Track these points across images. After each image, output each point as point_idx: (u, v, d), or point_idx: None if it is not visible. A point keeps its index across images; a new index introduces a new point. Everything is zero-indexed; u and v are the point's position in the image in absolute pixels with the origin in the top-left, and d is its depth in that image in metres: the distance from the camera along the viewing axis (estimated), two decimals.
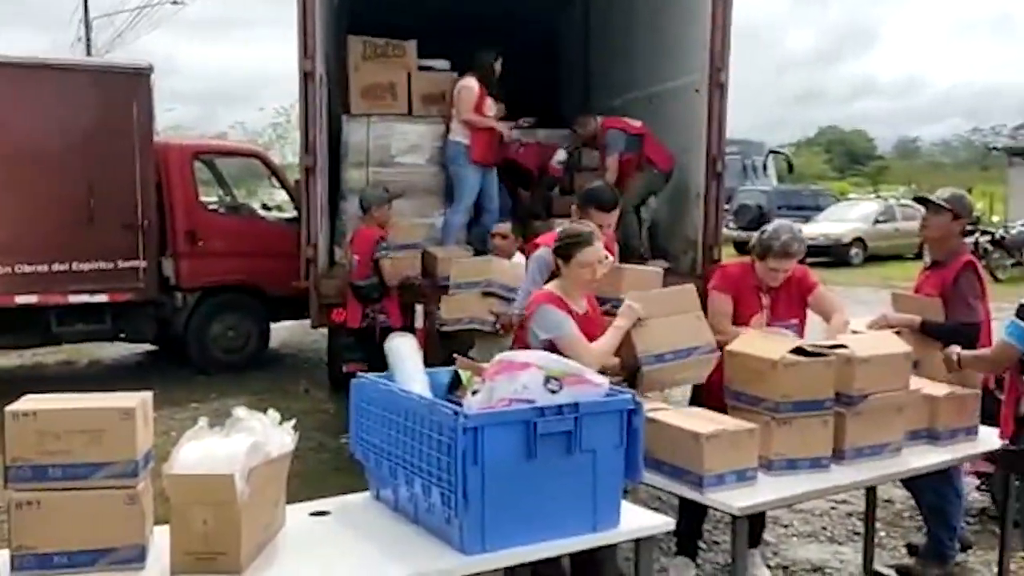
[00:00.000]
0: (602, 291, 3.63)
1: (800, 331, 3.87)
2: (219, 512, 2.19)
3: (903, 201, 23.02)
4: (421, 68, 7.38)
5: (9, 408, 2.20)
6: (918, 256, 21.25)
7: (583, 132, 7.05)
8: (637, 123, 6.82)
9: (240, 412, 2.40)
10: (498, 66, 6.90)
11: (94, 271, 7.57)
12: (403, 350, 2.84)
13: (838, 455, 3.27)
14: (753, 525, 3.48)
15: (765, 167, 23.26)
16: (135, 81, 7.76)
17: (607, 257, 3.48)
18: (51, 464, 2.18)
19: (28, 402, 2.24)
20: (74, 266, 7.49)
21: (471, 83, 6.75)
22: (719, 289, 3.97)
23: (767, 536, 4.70)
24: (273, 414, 2.47)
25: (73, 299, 7.50)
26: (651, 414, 2.98)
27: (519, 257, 5.47)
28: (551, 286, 3.47)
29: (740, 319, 3.86)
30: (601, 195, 4.12)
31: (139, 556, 2.24)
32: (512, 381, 2.49)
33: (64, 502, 2.18)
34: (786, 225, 3.93)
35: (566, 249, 3.39)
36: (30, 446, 2.17)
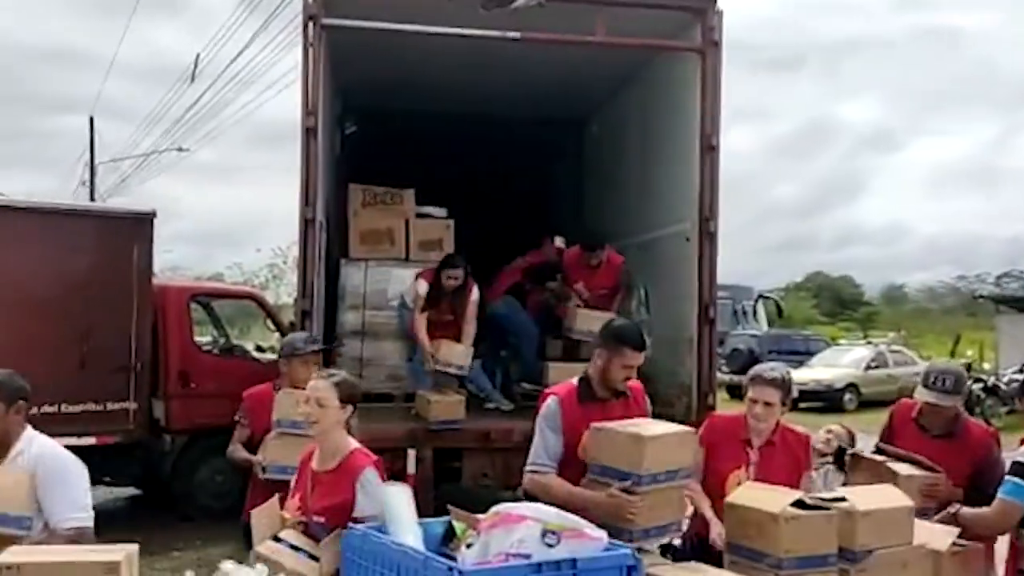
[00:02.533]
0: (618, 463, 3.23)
1: None
2: None
3: (894, 347, 23.17)
4: (419, 215, 7.59)
5: None
6: None
7: (596, 262, 6.99)
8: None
9: (227, 566, 2.33)
10: (447, 277, 6.59)
11: (83, 413, 7.48)
12: (397, 500, 2.79)
13: None
14: None
15: (755, 311, 23.49)
16: (138, 226, 7.90)
17: None
18: None
19: (12, 555, 2.18)
20: (63, 408, 7.39)
21: (423, 289, 6.62)
22: (699, 439, 3.68)
23: None
24: (261, 568, 2.40)
25: (62, 442, 7.36)
26: (651, 569, 2.89)
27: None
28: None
29: (718, 474, 3.64)
30: (636, 333, 3.70)
31: None
32: (508, 535, 2.43)
33: None
34: (771, 362, 3.93)
35: None
36: None
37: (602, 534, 2.52)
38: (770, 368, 3.78)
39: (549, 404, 3.59)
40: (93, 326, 7.54)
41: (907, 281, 60.79)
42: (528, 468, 3.51)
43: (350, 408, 3.21)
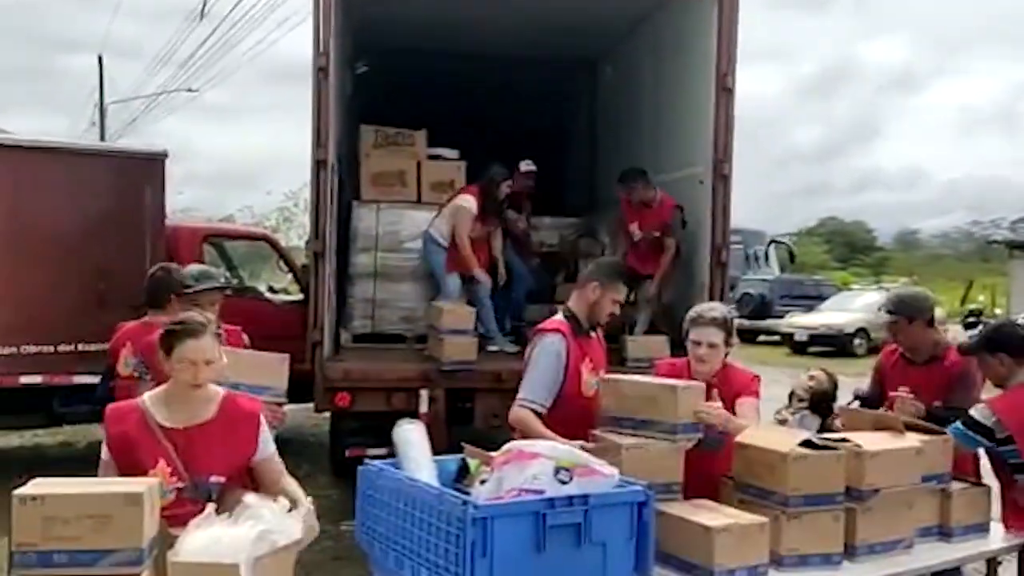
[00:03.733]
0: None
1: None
2: None
3: None
4: (430, 157, 7.55)
5: (16, 492, 2.19)
6: None
7: (631, 195, 6.85)
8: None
9: (249, 499, 2.39)
10: (505, 188, 6.94)
11: (100, 352, 7.56)
12: (411, 437, 2.84)
13: (850, 551, 3.21)
14: None
15: (767, 256, 23.43)
16: (150, 166, 7.90)
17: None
18: (56, 550, 2.16)
19: (35, 486, 2.23)
20: (80, 347, 7.49)
21: (471, 204, 6.77)
22: None
23: None
24: (283, 502, 2.46)
25: (78, 380, 7.48)
26: (660, 506, 2.94)
27: None
28: None
29: None
30: (625, 271, 4.05)
31: None
32: (521, 471, 2.48)
33: None
34: (710, 302, 3.97)
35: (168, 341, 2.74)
36: (36, 531, 2.15)
37: (613, 471, 2.57)
38: (710, 308, 3.74)
39: (556, 340, 3.64)
40: (108, 266, 7.58)
41: (922, 227, 60.45)
42: (523, 400, 3.57)
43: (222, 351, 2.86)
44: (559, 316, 3.82)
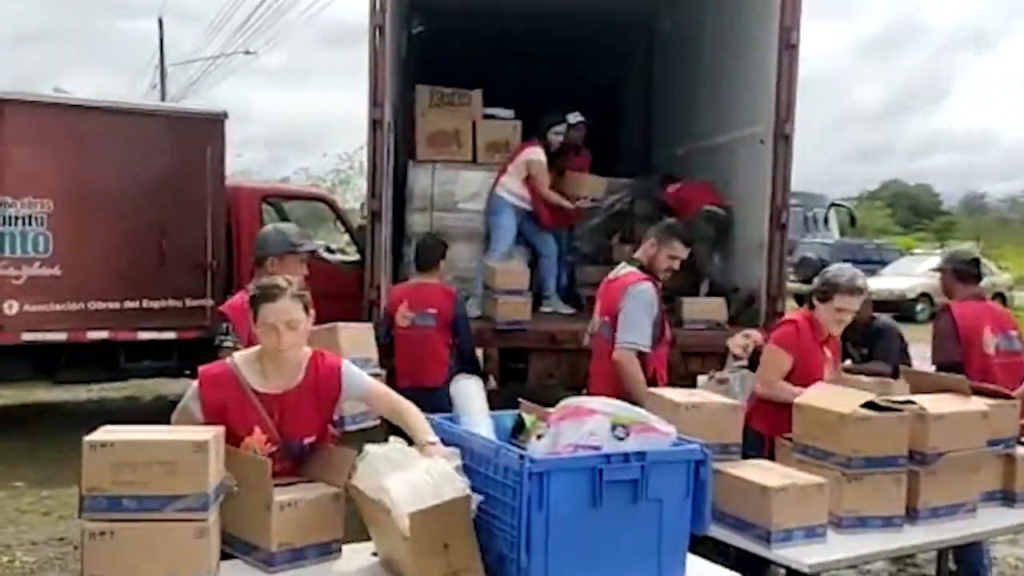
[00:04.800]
0: None
1: None
2: (457, 532, 2.31)
3: None
4: (486, 116, 7.50)
5: (87, 438, 2.26)
6: None
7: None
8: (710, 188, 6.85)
9: (369, 447, 2.52)
10: (554, 137, 6.94)
11: (164, 309, 7.75)
12: (469, 392, 2.85)
13: (911, 514, 3.17)
14: None
15: (827, 220, 22.92)
16: (210, 127, 8.00)
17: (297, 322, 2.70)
18: (125, 495, 2.22)
19: (105, 433, 2.30)
20: (144, 304, 7.68)
21: (543, 156, 6.79)
22: (782, 345, 3.84)
23: None
24: (396, 441, 2.60)
25: (143, 336, 7.68)
26: (718, 465, 2.92)
27: None
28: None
29: (810, 376, 3.65)
30: (686, 230, 4.35)
31: None
32: (578, 427, 2.47)
33: (137, 533, 2.22)
34: (846, 265, 3.98)
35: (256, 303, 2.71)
36: (106, 476, 2.22)
37: (671, 429, 2.55)
38: (855, 275, 3.81)
39: (649, 288, 4.08)
40: (170, 225, 7.74)
41: (989, 190, 58.58)
42: (631, 342, 3.97)
43: (312, 315, 2.79)
44: (631, 268, 4.18)
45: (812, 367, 3.74)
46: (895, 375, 4.72)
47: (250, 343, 3.16)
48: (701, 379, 4.85)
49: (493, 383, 6.43)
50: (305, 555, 2.47)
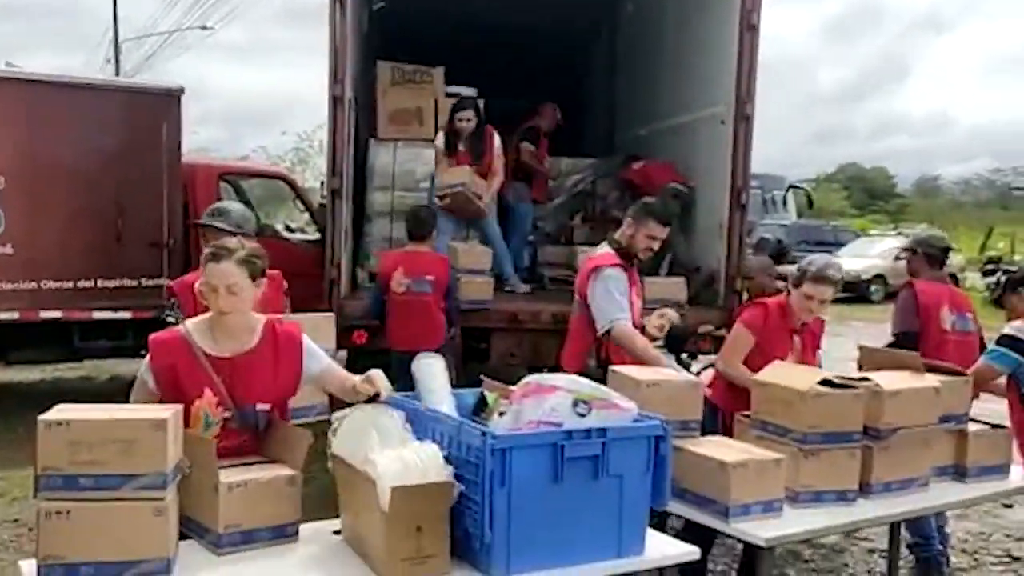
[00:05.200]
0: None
1: None
2: (432, 517, 2.33)
3: None
4: (448, 95, 7.46)
5: (42, 417, 2.21)
6: None
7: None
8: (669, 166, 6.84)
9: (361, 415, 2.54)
10: (459, 123, 6.61)
11: (119, 288, 7.62)
12: (431, 370, 2.84)
13: (864, 489, 3.23)
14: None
15: (785, 202, 23.16)
16: (166, 102, 7.85)
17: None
18: (82, 474, 2.18)
19: (61, 412, 2.26)
20: (99, 283, 7.55)
21: (439, 141, 6.68)
22: (748, 326, 3.91)
23: (789, 572, 4.65)
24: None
25: (97, 315, 7.55)
26: (677, 442, 2.95)
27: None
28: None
29: (770, 359, 3.66)
30: (663, 209, 4.28)
31: (165, 569, 2.24)
32: (540, 404, 2.48)
33: (93, 513, 2.18)
34: (826, 256, 3.99)
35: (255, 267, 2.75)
36: (62, 456, 2.18)
37: (632, 405, 2.57)
38: (828, 265, 3.82)
39: (614, 272, 4.05)
40: (126, 203, 7.60)
41: (943, 173, 59.62)
42: (613, 319, 3.99)
43: (263, 282, 2.79)
44: (607, 248, 4.17)
45: (775, 352, 3.75)
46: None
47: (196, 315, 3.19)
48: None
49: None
50: (255, 538, 2.43)
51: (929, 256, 4.63)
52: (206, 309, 2.87)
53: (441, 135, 6.70)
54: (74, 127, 7.42)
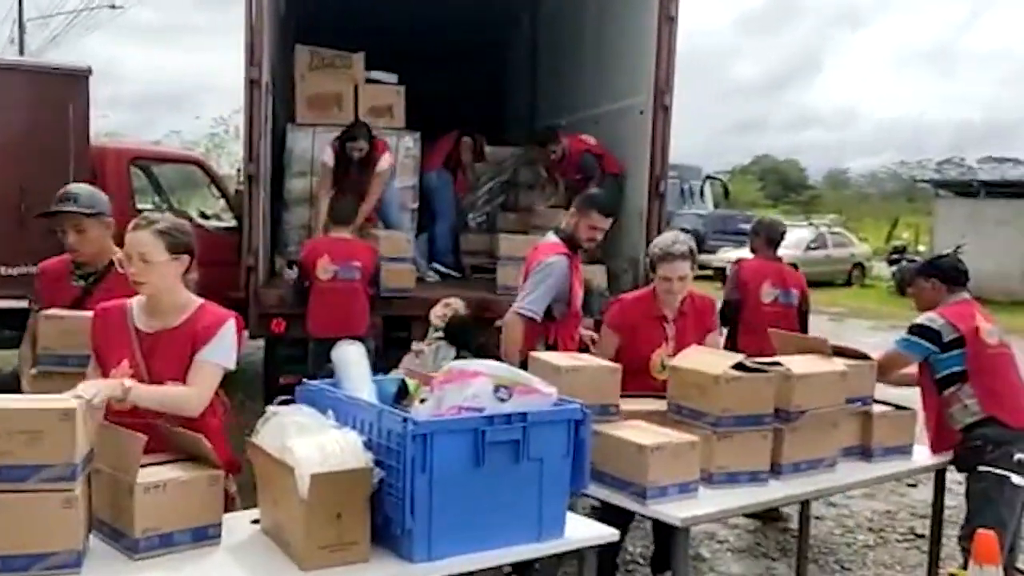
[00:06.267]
0: None
1: None
2: (352, 504, 2.31)
3: (834, 229, 23.70)
4: (368, 80, 7.39)
5: None
6: (847, 283, 21.93)
7: (554, 155, 6.95)
8: (592, 139, 6.90)
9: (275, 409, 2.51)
10: (355, 152, 6.54)
11: (22, 275, 7.32)
12: (351, 358, 2.82)
13: (775, 470, 3.34)
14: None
15: (702, 192, 23.65)
16: (72, 83, 7.54)
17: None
18: None
19: None
20: (1, 270, 7.25)
21: (329, 159, 6.60)
22: (610, 325, 3.92)
23: (703, 551, 4.77)
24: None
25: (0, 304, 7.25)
26: (597, 426, 3.00)
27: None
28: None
29: (639, 352, 3.75)
30: (606, 200, 4.34)
31: (75, 561, 2.17)
32: (462, 389, 2.49)
33: (1, 504, 2.10)
34: (671, 233, 3.96)
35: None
36: None
37: (553, 390, 2.60)
38: (674, 241, 3.78)
39: (560, 260, 4.04)
40: (29, 187, 7.29)
41: (852, 166, 61.65)
42: (521, 307, 3.99)
43: (185, 259, 2.76)
44: (553, 237, 4.18)
45: (641, 344, 3.78)
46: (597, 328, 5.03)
47: (50, 305, 3.27)
48: (407, 357, 4.46)
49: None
50: (175, 541, 2.33)
51: (768, 239, 5.48)
52: (62, 295, 3.18)
53: (331, 153, 6.57)
54: None
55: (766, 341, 3.95)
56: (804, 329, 5.27)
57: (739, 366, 3.29)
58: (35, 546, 2.13)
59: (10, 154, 7.19)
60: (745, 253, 6.05)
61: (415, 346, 4.49)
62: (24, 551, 2.12)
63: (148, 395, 2.59)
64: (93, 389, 2.40)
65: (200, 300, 2.82)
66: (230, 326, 2.77)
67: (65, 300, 3.32)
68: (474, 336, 4.47)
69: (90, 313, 2.87)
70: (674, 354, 3.69)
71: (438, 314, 4.36)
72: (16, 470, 2.11)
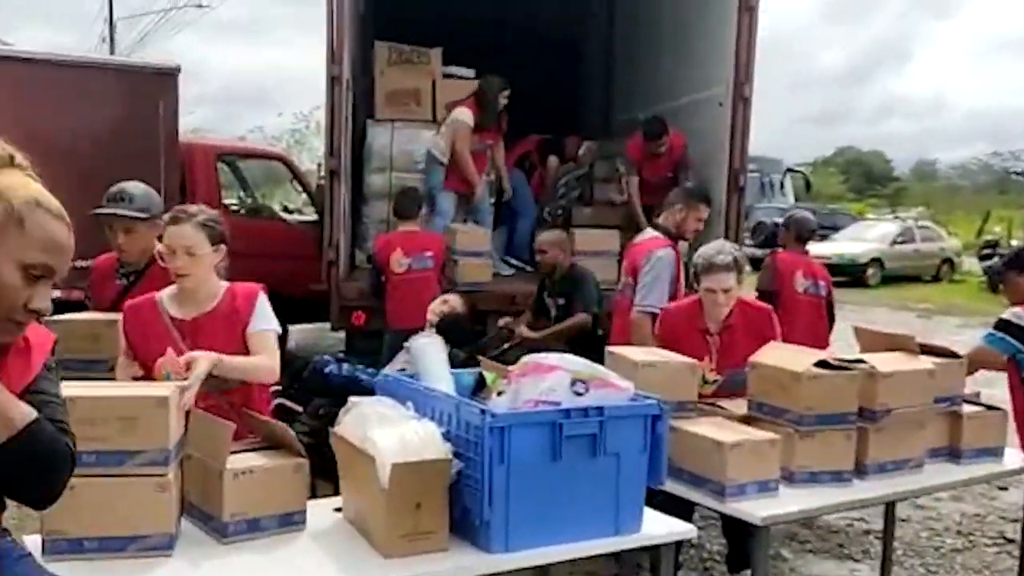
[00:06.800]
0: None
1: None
2: (431, 493, 2.35)
3: (922, 223, 22.94)
4: (445, 75, 7.45)
5: None
6: (936, 278, 21.21)
7: (663, 149, 6.74)
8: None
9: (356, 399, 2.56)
10: (503, 98, 6.67)
11: None
12: (429, 350, 2.86)
13: (860, 470, 3.25)
14: None
15: (782, 185, 23.18)
16: (162, 81, 7.82)
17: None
18: (85, 451, 2.19)
19: (64, 388, 2.26)
20: (89, 264, 7.55)
21: (467, 116, 6.59)
22: (658, 339, 3.83)
23: (784, 551, 4.69)
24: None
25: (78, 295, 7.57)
26: (674, 422, 2.98)
27: None
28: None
29: None
30: (707, 192, 4.79)
31: (168, 544, 2.26)
32: (538, 383, 2.50)
33: (97, 488, 2.20)
34: (716, 243, 3.83)
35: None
36: None
37: (629, 385, 2.59)
38: (718, 252, 3.67)
39: (669, 254, 4.38)
40: (121, 180, 7.58)
41: (941, 157, 59.58)
42: (648, 305, 4.26)
43: (223, 249, 2.88)
44: (654, 233, 4.49)
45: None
46: (595, 322, 5.28)
47: (98, 302, 3.45)
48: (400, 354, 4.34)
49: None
50: (262, 526, 2.40)
51: (798, 235, 5.63)
52: (107, 293, 3.26)
53: (469, 112, 6.56)
54: (70, 106, 7.38)
55: (799, 331, 3.99)
56: (831, 319, 5.53)
57: (822, 363, 3.22)
58: (130, 528, 2.22)
59: (104, 151, 7.47)
60: (824, 248, 6.12)
61: (407, 343, 4.50)
62: (120, 533, 2.21)
63: (235, 365, 2.73)
64: (184, 362, 2.55)
65: (223, 282, 2.92)
66: (263, 296, 2.91)
67: (110, 297, 3.41)
68: (468, 335, 4.53)
69: (76, 316, 3.01)
70: (718, 368, 3.61)
71: (435, 311, 4.38)
72: (112, 455, 2.20)
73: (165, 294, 2.89)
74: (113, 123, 7.56)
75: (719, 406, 3.37)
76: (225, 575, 2.24)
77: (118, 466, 2.21)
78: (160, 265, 2.89)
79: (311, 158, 22.34)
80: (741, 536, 3.90)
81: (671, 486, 3.00)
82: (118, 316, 3.01)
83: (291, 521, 2.46)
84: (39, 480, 1.55)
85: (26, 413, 1.49)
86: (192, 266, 2.79)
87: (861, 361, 3.32)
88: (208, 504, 2.41)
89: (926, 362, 3.44)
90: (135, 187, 3.54)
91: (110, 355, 3.06)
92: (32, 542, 2.26)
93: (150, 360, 2.72)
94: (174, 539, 2.28)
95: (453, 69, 7.55)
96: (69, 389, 2.22)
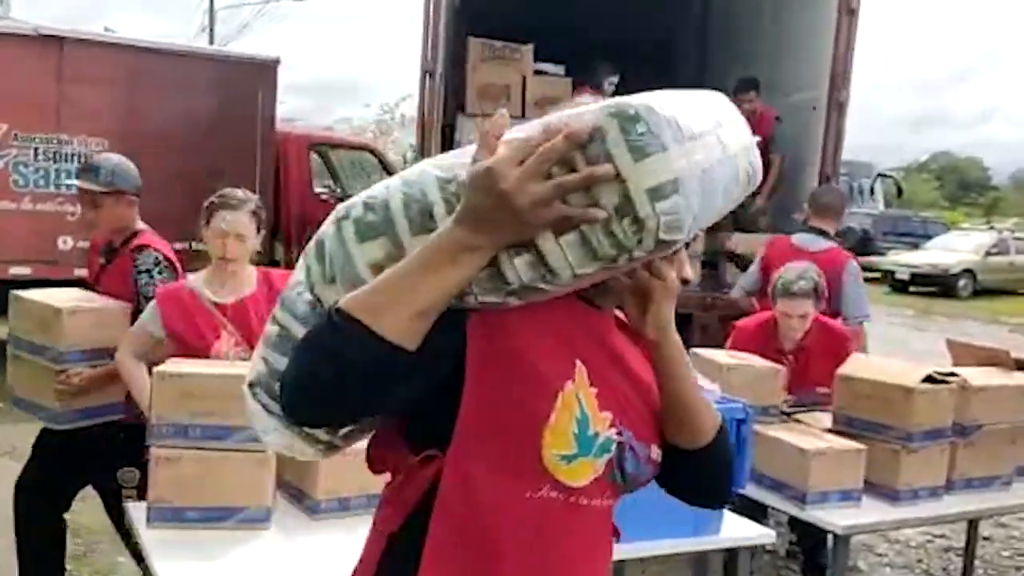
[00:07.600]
0: None
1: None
2: None
3: (1018, 234, 22.06)
4: (536, 72, 7.50)
5: (157, 369, 2.37)
6: None
7: (747, 105, 6.31)
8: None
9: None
10: (608, 86, 6.71)
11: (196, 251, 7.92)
12: None
13: (948, 485, 3.20)
14: None
15: (873, 191, 22.57)
16: (262, 72, 8.09)
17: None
18: (192, 424, 2.33)
19: (174, 365, 2.41)
20: (193, 246, 7.85)
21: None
22: (730, 351, 3.70)
23: (860, 563, 4.62)
24: None
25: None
26: (757, 427, 2.97)
27: None
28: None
29: None
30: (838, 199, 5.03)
31: (265, 517, 2.37)
32: None
33: (201, 461, 2.33)
34: (800, 265, 3.71)
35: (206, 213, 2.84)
36: (174, 406, 2.32)
37: (715, 387, 2.60)
38: (799, 277, 3.58)
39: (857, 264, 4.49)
40: (220, 168, 7.86)
41: None
42: (863, 317, 4.42)
43: (263, 235, 2.92)
44: (828, 242, 4.59)
45: None
46: None
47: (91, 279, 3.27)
48: None
49: None
50: (352, 505, 2.49)
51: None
52: (92, 270, 3.17)
53: (593, 99, 6.51)
54: (175, 94, 7.71)
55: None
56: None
57: (929, 378, 3.11)
58: (230, 500, 2.34)
59: (205, 138, 7.78)
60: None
61: None
62: (220, 504, 2.34)
63: None
64: None
65: (254, 268, 2.94)
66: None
67: (90, 276, 3.31)
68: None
69: (40, 297, 2.92)
70: (790, 389, 3.51)
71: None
72: (216, 429, 2.33)
73: (195, 280, 2.87)
74: (214, 112, 7.86)
75: (799, 420, 3.33)
76: (316, 549, 2.34)
77: (221, 440, 2.33)
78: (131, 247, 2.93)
79: (397, 150, 22.70)
80: (812, 545, 3.88)
81: (750, 490, 3.01)
82: (75, 304, 2.92)
83: None
84: None
85: None
86: (241, 250, 2.81)
87: (953, 374, 3.25)
88: (302, 482, 2.52)
89: (1020, 377, 3.36)
90: (107, 159, 3.35)
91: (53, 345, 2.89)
92: (137, 509, 2.41)
93: (202, 345, 2.74)
94: (271, 512, 2.40)
95: (543, 65, 7.59)
96: (177, 366, 2.37)
